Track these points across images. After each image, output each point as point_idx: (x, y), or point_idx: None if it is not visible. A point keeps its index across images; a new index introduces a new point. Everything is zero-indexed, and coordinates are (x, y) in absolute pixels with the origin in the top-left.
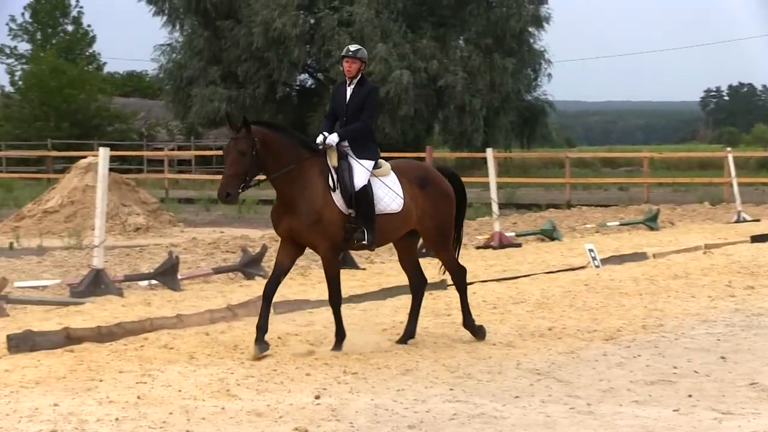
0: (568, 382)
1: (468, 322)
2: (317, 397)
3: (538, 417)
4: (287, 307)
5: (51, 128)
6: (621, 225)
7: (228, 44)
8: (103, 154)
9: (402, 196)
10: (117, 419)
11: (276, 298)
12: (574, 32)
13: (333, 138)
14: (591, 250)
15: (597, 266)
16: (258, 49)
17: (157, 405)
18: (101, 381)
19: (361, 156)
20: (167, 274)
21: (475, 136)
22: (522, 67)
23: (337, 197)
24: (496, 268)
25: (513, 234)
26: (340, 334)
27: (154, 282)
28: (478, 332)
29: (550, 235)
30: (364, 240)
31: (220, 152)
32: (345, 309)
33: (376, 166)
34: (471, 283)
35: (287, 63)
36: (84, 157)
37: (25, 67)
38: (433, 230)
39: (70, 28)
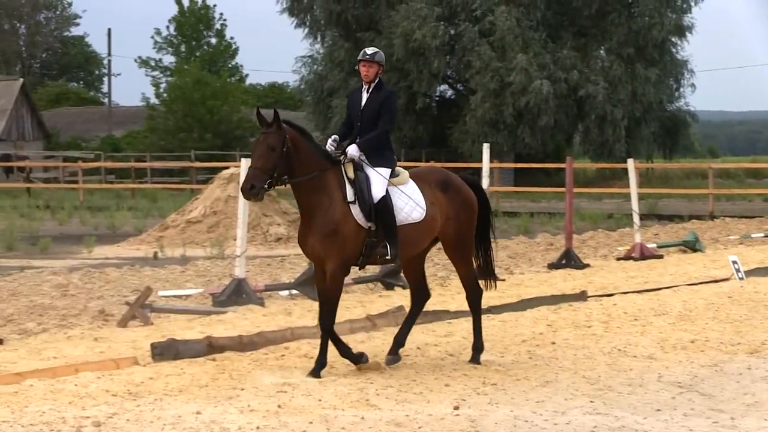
0: (711, 395)
1: (477, 343)
2: (456, 408)
3: (680, 431)
4: (426, 318)
5: (194, 139)
6: (765, 236)
7: None
8: (245, 165)
9: (424, 204)
10: (258, 428)
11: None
12: (717, 41)
13: (353, 151)
14: (735, 262)
15: (741, 278)
16: (398, 60)
17: (298, 414)
18: (242, 390)
19: (377, 165)
20: (307, 284)
21: (616, 147)
22: (664, 77)
23: (355, 210)
24: (637, 280)
25: (654, 245)
26: (321, 362)
27: (294, 292)
28: (477, 353)
29: (692, 246)
30: (387, 255)
31: None
32: (484, 320)
33: (393, 175)
34: (611, 295)
35: (427, 74)
36: (226, 167)
37: (169, 79)
38: (454, 237)
39: (213, 40)
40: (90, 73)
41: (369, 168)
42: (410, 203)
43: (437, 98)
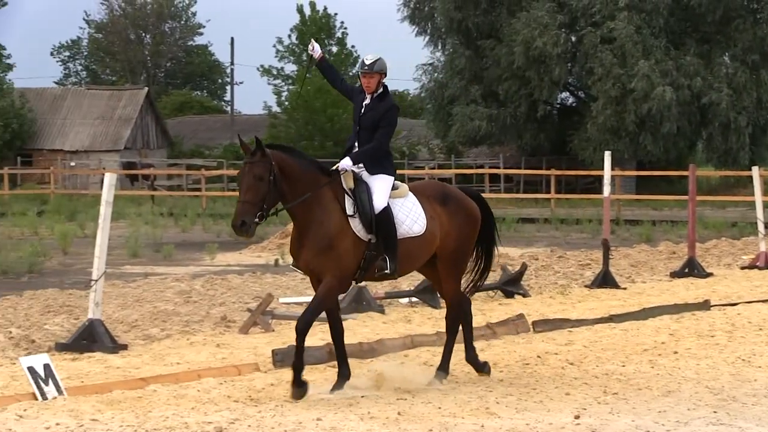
0: None
1: (444, 365)
2: (577, 417)
3: None
4: (547, 326)
5: (315, 147)
6: None
7: (489, 63)
8: None
9: (424, 218)
10: None
11: (535, 316)
12: None
13: (346, 163)
14: None
15: None
16: (519, 68)
17: (417, 422)
18: (363, 397)
19: (376, 172)
20: (427, 292)
21: (740, 154)
22: None
23: (355, 223)
24: (762, 289)
25: None
26: (299, 365)
27: (414, 299)
28: (483, 367)
29: None
30: (387, 269)
31: (480, 171)
32: (606, 329)
33: (393, 188)
34: (735, 304)
35: (548, 81)
36: None
37: (291, 87)
38: (452, 253)
39: (334, 48)
40: (213, 81)
41: (369, 177)
42: (411, 216)
43: (558, 106)
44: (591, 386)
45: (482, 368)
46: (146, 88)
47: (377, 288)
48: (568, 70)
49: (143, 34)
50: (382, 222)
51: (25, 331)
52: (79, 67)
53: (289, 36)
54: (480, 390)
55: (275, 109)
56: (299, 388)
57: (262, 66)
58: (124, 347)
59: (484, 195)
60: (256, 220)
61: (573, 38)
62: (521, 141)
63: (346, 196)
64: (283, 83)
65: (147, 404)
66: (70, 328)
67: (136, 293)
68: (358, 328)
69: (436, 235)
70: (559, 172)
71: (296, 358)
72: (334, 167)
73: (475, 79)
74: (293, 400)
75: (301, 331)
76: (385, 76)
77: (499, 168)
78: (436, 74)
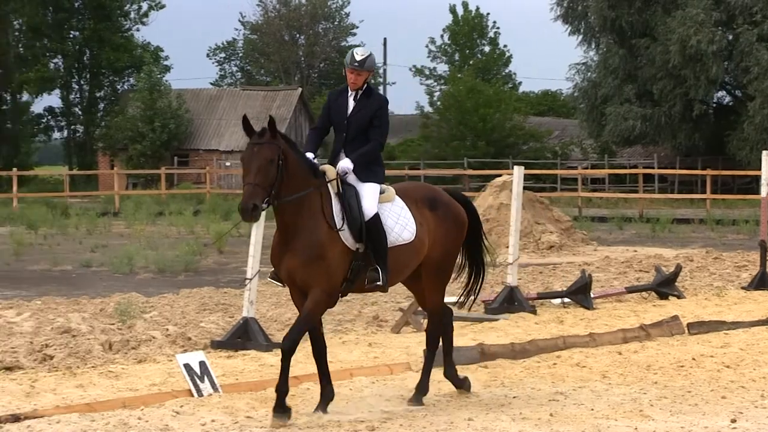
0: None
1: (423, 383)
2: (733, 421)
3: None
4: (702, 328)
5: (467, 147)
6: None
7: (643, 62)
8: (518, 173)
9: (414, 224)
10: None
11: (690, 318)
12: None
13: (347, 165)
14: None
15: None
16: (674, 66)
17: (570, 423)
18: (514, 397)
19: (365, 179)
20: (580, 293)
21: None
22: None
23: (343, 231)
24: None
25: None
26: (283, 389)
27: (566, 300)
28: (463, 383)
29: None
30: (379, 281)
31: (634, 171)
32: (763, 331)
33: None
34: None
35: (704, 80)
36: (498, 175)
37: (443, 87)
38: (438, 261)
39: (486, 48)
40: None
41: (357, 182)
42: (400, 222)
43: (714, 105)
44: (748, 390)
45: (462, 384)
46: (300, 89)
47: (529, 288)
48: (725, 68)
49: (297, 35)
50: (372, 230)
51: (182, 328)
52: (235, 68)
53: (442, 36)
54: (633, 392)
55: (427, 108)
56: (282, 413)
57: (414, 66)
58: (278, 346)
59: (637, 195)
60: (264, 204)
61: (729, 36)
62: (675, 141)
63: (333, 201)
64: (435, 83)
65: (300, 402)
66: (225, 326)
67: (287, 292)
68: (509, 329)
69: (425, 242)
70: (715, 172)
71: (280, 382)
72: (328, 169)
73: (628, 79)
74: (273, 428)
75: (288, 351)
76: (372, 74)
77: (653, 168)
78: (589, 73)
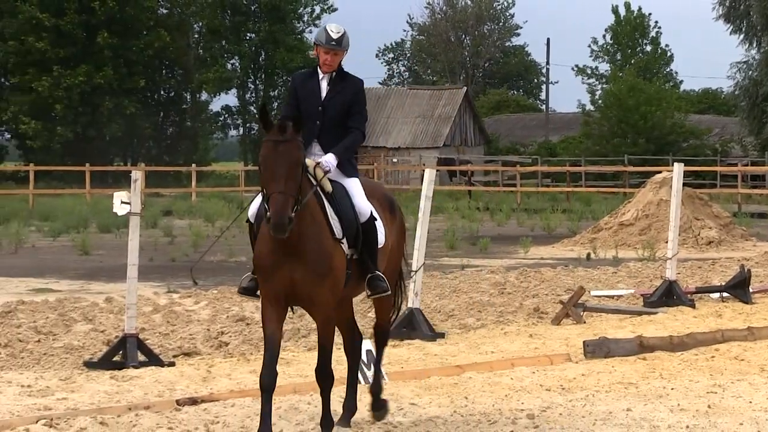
0: None
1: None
2: None
3: None
4: None
5: (628, 144)
6: None
7: None
8: (678, 170)
9: (383, 225)
10: (687, 427)
11: None
12: None
13: (331, 160)
14: None
15: None
16: None
17: (728, 415)
18: (672, 389)
19: (350, 174)
20: (739, 287)
21: None
22: None
23: (343, 240)
24: None
25: None
26: (328, 424)
27: (725, 294)
28: (379, 407)
29: None
30: (387, 290)
31: None
32: None
33: None
34: None
35: None
36: (658, 172)
37: (605, 86)
38: (392, 271)
39: (648, 48)
40: (529, 81)
41: (342, 177)
42: (379, 221)
43: None
44: None
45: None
46: (465, 88)
47: (687, 283)
48: None
49: (463, 36)
50: (369, 232)
51: None
52: (402, 68)
53: (604, 36)
54: None
55: (589, 107)
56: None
57: (576, 66)
58: (442, 335)
59: None
60: (293, 215)
61: None
62: None
63: (326, 202)
64: (597, 82)
65: (462, 390)
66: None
67: (453, 284)
68: (668, 322)
69: (389, 247)
70: None
71: (324, 414)
72: (310, 165)
73: None
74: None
75: (325, 381)
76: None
77: None
78: (750, 72)
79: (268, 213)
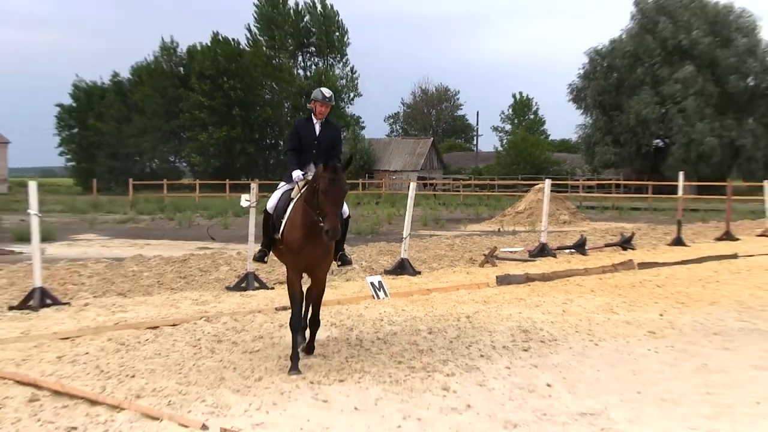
0: None
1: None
2: (661, 315)
3: None
4: (645, 266)
5: (521, 169)
6: None
7: (615, 124)
8: (547, 183)
9: None
10: (552, 322)
11: (638, 260)
12: None
13: None
14: None
15: None
16: (632, 126)
17: (573, 315)
18: (544, 302)
19: None
20: (580, 246)
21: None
22: None
23: None
24: None
25: None
26: (310, 349)
27: (572, 250)
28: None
29: None
30: (351, 263)
31: (608, 181)
32: (679, 268)
33: None
34: (752, 256)
35: (648, 134)
36: (536, 184)
37: (509, 137)
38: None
39: (531, 116)
40: (467, 134)
41: None
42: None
43: (654, 146)
44: (669, 299)
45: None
46: (432, 138)
47: (552, 244)
48: (659, 127)
49: (432, 110)
50: (346, 225)
51: (369, 263)
52: (398, 127)
53: (508, 110)
54: (607, 300)
55: (500, 149)
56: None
57: (493, 126)
58: (419, 273)
59: (612, 195)
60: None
61: (663, 110)
62: (633, 166)
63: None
64: (504, 135)
65: (430, 302)
66: (392, 262)
67: (425, 244)
68: (542, 265)
69: None
70: (653, 183)
71: (293, 351)
72: (297, 178)
73: (607, 133)
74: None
75: (315, 325)
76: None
77: (620, 180)
78: (586, 129)
79: (322, 222)
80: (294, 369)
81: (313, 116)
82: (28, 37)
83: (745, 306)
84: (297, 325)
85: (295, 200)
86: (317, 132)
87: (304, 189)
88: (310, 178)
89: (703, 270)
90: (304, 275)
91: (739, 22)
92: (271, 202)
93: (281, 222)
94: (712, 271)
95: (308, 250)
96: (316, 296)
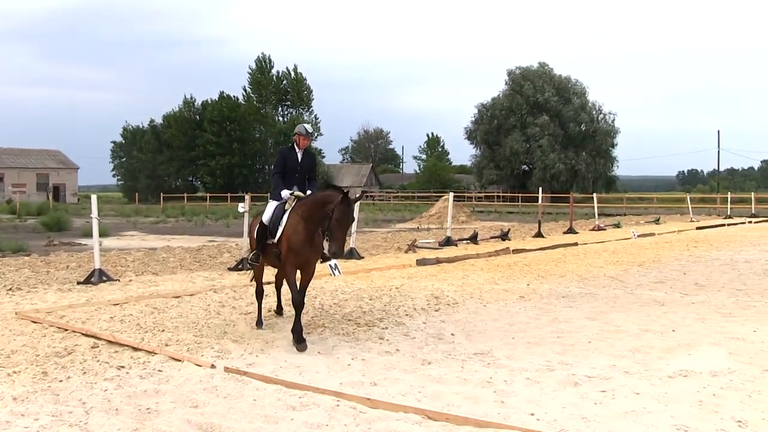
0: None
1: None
2: (528, 284)
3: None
4: (519, 251)
5: (433, 185)
6: (648, 222)
7: (497, 155)
8: (451, 195)
9: None
10: (455, 290)
11: (513, 247)
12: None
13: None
14: (633, 232)
15: (636, 237)
16: (507, 156)
17: (470, 286)
18: (450, 276)
19: None
20: (473, 238)
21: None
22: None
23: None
24: (597, 238)
25: (601, 224)
26: (298, 329)
27: (468, 241)
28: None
29: (617, 225)
30: (330, 258)
31: (493, 193)
32: (541, 253)
33: None
34: (587, 243)
35: (518, 161)
36: (442, 195)
37: (425, 163)
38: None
39: (440, 149)
40: (395, 162)
41: None
42: None
43: (523, 170)
44: (533, 274)
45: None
46: (371, 164)
47: (456, 236)
48: (526, 157)
49: (371, 145)
50: None
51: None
52: (348, 156)
53: (424, 144)
54: (492, 274)
55: (418, 171)
56: (302, 344)
57: (414, 156)
58: (363, 257)
59: (494, 203)
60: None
61: (527, 145)
62: (508, 184)
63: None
64: (421, 162)
65: (371, 278)
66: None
67: (367, 237)
68: (449, 252)
69: None
70: (522, 194)
71: (297, 323)
72: (286, 195)
73: (491, 161)
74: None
75: (301, 306)
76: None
77: (500, 193)
78: (477, 158)
79: (330, 241)
80: (301, 340)
81: (296, 146)
82: (90, 96)
83: (583, 278)
84: (298, 302)
85: (289, 212)
86: (299, 159)
87: (297, 204)
88: (296, 194)
89: (556, 254)
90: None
91: (575, 88)
92: (267, 215)
93: (277, 229)
94: (561, 255)
95: (306, 250)
96: (305, 282)
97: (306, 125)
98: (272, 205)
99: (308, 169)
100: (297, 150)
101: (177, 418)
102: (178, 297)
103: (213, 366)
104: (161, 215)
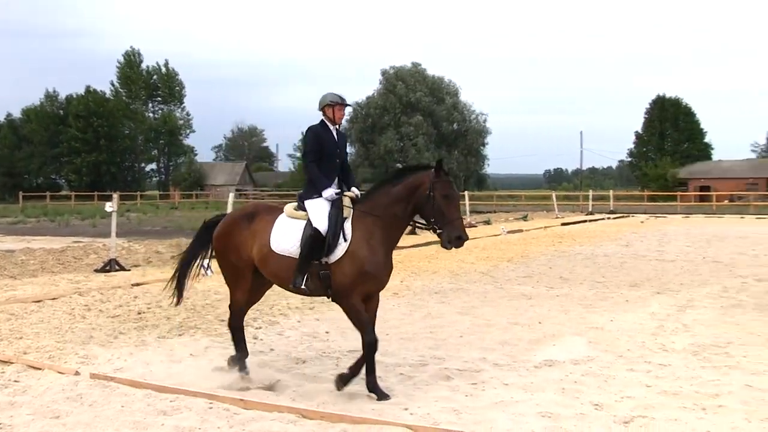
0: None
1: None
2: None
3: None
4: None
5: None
6: (517, 219)
7: (372, 153)
8: None
9: None
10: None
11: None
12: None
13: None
14: (503, 228)
15: (505, 233)
16: (382, 155)
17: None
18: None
19: None
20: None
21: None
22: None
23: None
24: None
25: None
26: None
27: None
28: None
29: (488, 221)
30: None
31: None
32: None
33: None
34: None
35: (393, 161)
36: None
37: None
38: None
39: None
40: (270, 161)
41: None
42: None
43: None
44: (407, 270)
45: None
46: (245, 162)
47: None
48: (400, 156)
49: (247, 147)
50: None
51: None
52: (226, 153)
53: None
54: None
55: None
56: (387, 398)
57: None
58: None
59: None
60: None
61: (402, 144)
62: None
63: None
64: None
65: None
66: None
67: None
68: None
69: None
70: None
71: (371, 375)
72: (330, 195)
73: (366, 159)
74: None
75: (375, 346)
76: None
77: None
78: (355, 156)
79: (444, 227)
80: (384, 395)
81: (328, 123)
82: None
83: (455, 274)
84: (375, 346)
85: (350, 220)
86: (336, 139)
87: (360, 205)
88: (347, 194)
89: (428, 250)
90: None
91: (448, 88)
92: (323, 224)
93: (336, 245)
94: (433, 251)
95: (382, 272)
96: (374, 313)
97: (335, 92)
98: (322, 207)
99: (344, 152)
100: (331, 127)
101: (35, 431)
102: (38, 301)
103: (77, 373)
104: (20, 215)
